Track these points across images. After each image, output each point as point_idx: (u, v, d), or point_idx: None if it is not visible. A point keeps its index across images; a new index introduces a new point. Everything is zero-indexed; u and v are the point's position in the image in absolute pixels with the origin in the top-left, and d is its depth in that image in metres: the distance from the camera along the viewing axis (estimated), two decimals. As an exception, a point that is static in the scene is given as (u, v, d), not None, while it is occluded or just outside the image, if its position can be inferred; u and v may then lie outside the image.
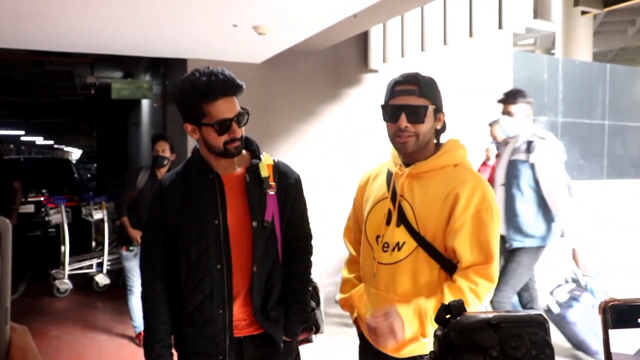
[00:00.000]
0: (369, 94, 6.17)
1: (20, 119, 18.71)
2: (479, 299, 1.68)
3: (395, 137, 1.80)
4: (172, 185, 1.91)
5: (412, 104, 1.75)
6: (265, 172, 1.90)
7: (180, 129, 1.83)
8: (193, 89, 1.74)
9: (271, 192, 1.90)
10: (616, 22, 17.61)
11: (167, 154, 4.38)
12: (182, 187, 1.88)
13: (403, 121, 1.75)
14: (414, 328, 1.64)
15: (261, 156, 1.94)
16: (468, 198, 1.72)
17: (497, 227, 1.75)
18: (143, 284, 1.89)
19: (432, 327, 1.62)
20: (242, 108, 1.81)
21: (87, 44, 4.96)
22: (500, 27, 4.87)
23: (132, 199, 4.48)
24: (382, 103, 1.83)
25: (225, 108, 1.76)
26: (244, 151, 1.95)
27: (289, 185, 1.95)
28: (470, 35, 5.04)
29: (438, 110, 1.82)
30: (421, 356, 1.78)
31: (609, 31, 18.48)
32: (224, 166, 1.88)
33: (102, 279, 6.41)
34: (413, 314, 1.64)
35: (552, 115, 7.79)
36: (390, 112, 1.79)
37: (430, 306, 1.65)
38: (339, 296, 2.08)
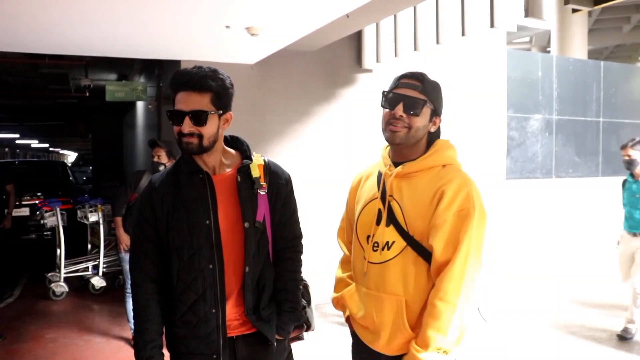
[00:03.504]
0: (362, 93, 6.18)
1: (15, 122, 18.65)
2: (450, 304, 1.68)
3: (388, 125, 1.83)
4: (162, 185, 1.90)
5: (411, 96, 1.81)
6: (256, 172, 1.91)
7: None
8: (171, 78, 1.82)
9: (262, 193, 1.90)
10: (611, 19, 17.66)
11: (164, 159, 4.37)
12: (173, 186, 1.88)
13: (399, 110, 1.80)
14: None
15: (252, 156, 1.95)
16: (452, 196, 1.73)
17: (481, 226, 1.75)
18: (133, 285, 1.88)
19: (426, 352, 1.69)
20: (204, 110, 1.76)
21: (81, 46, 4.95)
22: (492, 25, 4.88)
23: (132, 202, 4.48)
24: (385, 90, 1.88)
25: (182, 100, 1.77)
26: (233, 151, 1.96)
27: (280, 185, 1.96)
28: (463, 34, 5.05)
29: (435, 113, 1.87)
30: None
31: (605, 28, 18.54)
32: (212, 166, 1.89)
33: (98, 282, 6.41)
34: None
35: (546, 113, 7.81)
36: (390, 100, 1.84)
37: (417, 342, 1.71)
38: (332, 295, 2.09)
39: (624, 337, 4.77)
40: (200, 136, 1.78)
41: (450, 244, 1.71)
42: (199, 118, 1.76)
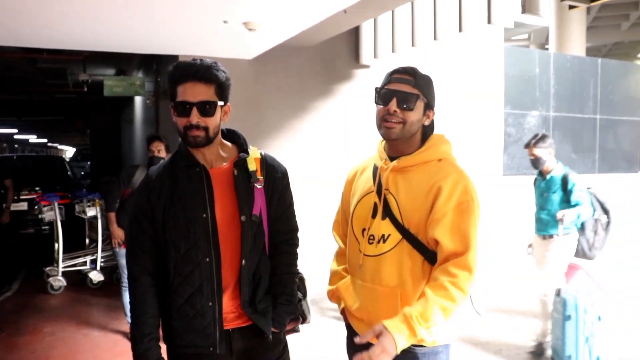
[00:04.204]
0: (360, 89, 6.19)
1: (13, 117, 18.62)
2: (462, 291, 1.71)
3: (383, 121, 1.85)
4: (159, 178, 1.90)
5: (404, 91, 1.82)
6: (252, 165, 1.91)
7: (174, 125, 1.83)
8: (171, 70, 1.80)
9: (259, 186, 1.91)
10: (610, 16, 17.67)
11: (163, 154, 4.37)
12: (170, 180, 1.88)
13: (393, 105, 1.81)
14: (405, 334, 1.65)
15: (248, 150, 1.95)
16: (450, 191, 1.75)
17: (478, 219, 1.78)
18: (130, 278, 1.88)
19: (421, 327, 1.66)
20: (212, 100, 1.77)
21: (79, 41, 4.96)
22: (489, 22, 4.90)
23: (126, 197, 4.48)
24: (378, 87, 1.89)
25: (188, 91, 1.76)
26: (230, 144, 1.97)
27: (276, 178, 1.97)
28: (460, 30, 5.07)
29: (429, 106, 1.88)
30: (411, 346, 1.81)
31: (603, 26, 18.56)
32: (210, 159, 1.89)
33: (96, 276, 6.43)
34: (400, 322, 1.66)
35: (543, 110, 7.83)
36: (383, 96, 1.85)
37: (415, 310, 1.67)
38: (327, 288, 2.11)
39: (539, 354, 4.33)
40: (206, 128, 1.78)
41: (456, 235, 1.73)
42: (207, 109, 1.77)
